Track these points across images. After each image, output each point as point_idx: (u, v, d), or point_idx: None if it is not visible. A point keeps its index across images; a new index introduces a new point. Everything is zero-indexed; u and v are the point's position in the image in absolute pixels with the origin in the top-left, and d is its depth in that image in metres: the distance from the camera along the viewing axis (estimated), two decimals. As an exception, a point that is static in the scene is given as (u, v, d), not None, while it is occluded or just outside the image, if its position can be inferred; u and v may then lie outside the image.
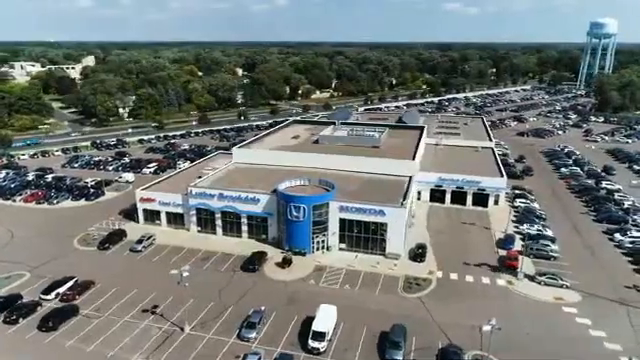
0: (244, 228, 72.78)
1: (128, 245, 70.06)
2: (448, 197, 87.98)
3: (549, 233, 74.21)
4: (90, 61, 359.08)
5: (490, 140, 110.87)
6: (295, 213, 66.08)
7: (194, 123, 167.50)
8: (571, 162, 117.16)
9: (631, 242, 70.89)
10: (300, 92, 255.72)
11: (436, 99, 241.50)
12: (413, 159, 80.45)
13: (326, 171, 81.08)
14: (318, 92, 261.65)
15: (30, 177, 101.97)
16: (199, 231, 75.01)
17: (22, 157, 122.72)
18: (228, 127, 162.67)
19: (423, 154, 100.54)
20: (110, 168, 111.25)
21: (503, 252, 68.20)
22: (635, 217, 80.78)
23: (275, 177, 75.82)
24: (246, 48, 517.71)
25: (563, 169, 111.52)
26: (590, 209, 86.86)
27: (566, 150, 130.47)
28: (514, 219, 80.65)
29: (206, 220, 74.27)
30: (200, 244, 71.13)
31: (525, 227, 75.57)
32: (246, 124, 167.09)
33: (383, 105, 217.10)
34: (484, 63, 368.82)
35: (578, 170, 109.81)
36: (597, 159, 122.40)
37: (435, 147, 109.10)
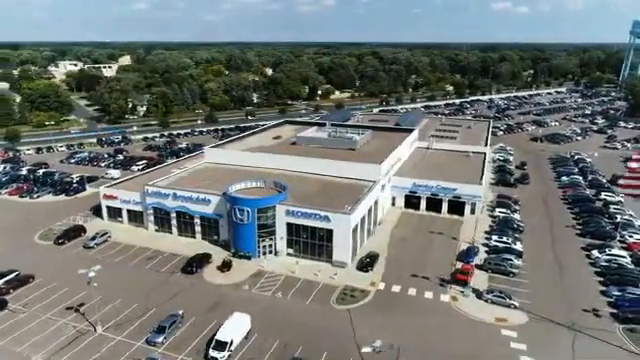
0: (197, 229, 72.04)
1: (84, 241, 70.97)
2: (423, 204, 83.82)
3: (518, 247, 68.84)
4: (126, 60, 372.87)
5: (485, 145, 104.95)
6: (239, 216, 64.57)
7: (199, 122, 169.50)
8: (576, 170, 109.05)
9: (607, 260, 64.59)
10: (320, 92, 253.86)
11: (458, 101, 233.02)
12: (380, 163, 76.89)
13: (291, 173, 79.22)
14: (338, 92, 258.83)
15: (23, 171, 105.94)
16: (157, 230, 74.97)
17: (27, 152, 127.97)
18: (233, 126, 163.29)
19: (409, 158, 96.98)
20: (102, 165, 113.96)
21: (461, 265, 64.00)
22: (624, 233, 73.73)
23: (238, 178, 74.36)
24: (288, 48, 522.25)
25: (564, 178, 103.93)
26: (578, 222, 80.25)
27: (575, 157, 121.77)
28: (488, 230, 75.61)
29: (162, 219, 74.10)
30: (153, 243, 70.99)
31: (494, 239, 70.64)
32: (252, 123, 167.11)
33: (400, 107, 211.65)
34: (520, 64, 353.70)
35: (580, 179, 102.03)
36: (610, 168, 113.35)
37: (425, 151, 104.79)
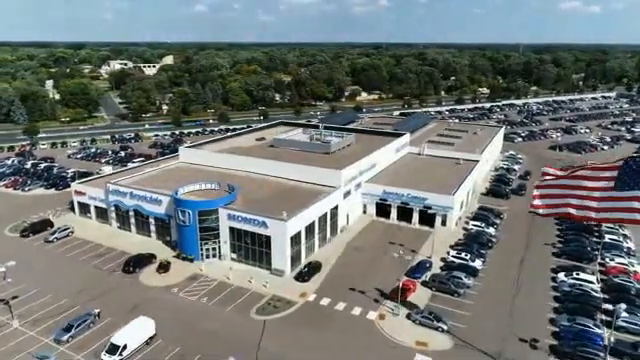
0: (152, 228, 72.56)
1: (46, 235, 73.33)
2: (394, 213, 79.93)
3: (476, 264, 63.82)
4: (169, 60, 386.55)
5: (480, 153, 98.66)
6: (182, 217, 64.26)
7: (211, 121, 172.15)
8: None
9: (571, 285, 58.38)
10: (347, 94, 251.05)
11: (488, 104, 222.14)
12: (341, 169, 73.99)
13: (255, 176, 78.53)
14: (365, 94, 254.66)
15: (28, 165, 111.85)
16: (119, 227, 76.33)
17: (42, 147, 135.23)
18: (245, 126, 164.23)
19: (393, 164, 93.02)
20: (103, 161, 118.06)
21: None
22: (607, 255, 66.49)
23: (202, 178, 74.16)
24: (335, 48, 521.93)
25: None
26: (560, 240, 73.48)
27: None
28: (453, 244, 70.76)
29: (123, 217, 75.31)
30: (110, 240, 72.19)
31: (451, 254, 66.00)
32: (265, 123, 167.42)
33: (422, 110, 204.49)
34: (573, 67, 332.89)
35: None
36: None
37: (416, 157, 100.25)
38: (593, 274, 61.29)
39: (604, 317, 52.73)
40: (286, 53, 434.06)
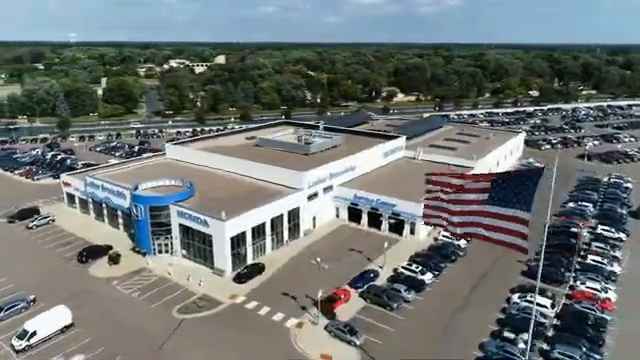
0: (120, 221, 75.08)
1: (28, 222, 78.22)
2: (365, 218, 77.06)
3: (426, 277, 59.86)
4: (221, 59, 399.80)
5: (476, 160, 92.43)
6: (135, 211, 65.94)
7: (232, 119, 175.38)
8: (595, 197, 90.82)
9: (521, 309, 53.09)
10: (383, 94, 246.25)
11: (531, 109, 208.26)
12: (305, 171, 72.40)
13: (224, 174, 79.50)
14: (401, 95, 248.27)
15: (48, 156, 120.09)
16: (95, 218, 79.79)
17: (71, 139, 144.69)
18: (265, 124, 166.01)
19: (381, 167, 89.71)
20: (117, 154, 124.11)
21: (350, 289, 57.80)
22: (582, 278, 59.77)
23: (176, 174, 75.96)
24: (395, 49, 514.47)
25: (571, 204, 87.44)
26: (537, 257, 67.07)
27: (613, 181, 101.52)
28: (413, 254, 66.82)
29: (99, 209, 78.59)
30: (83, 230, 75.44)
31: (401, 265, 62.41)
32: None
33: (453, 113, 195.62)
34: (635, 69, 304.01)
35: (589, 208, 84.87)
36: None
37: (409, 161, 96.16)
38: (551, 298, 55.36)
39: (542, 345, 47.55)
40: (338, 53, 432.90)
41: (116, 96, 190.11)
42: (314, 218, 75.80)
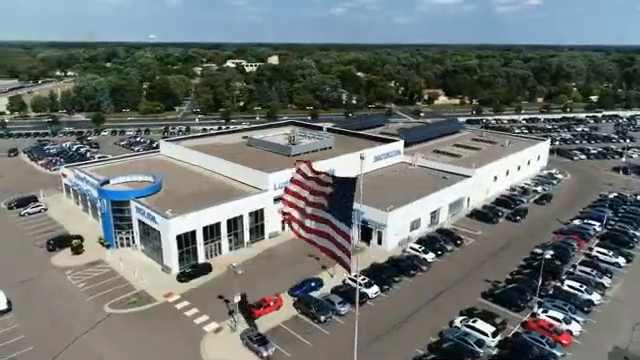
0: (98, 212, 77.75)
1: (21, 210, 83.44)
2: (337, 224, 73.98)
3: (371, 291, 56.13)
4: (274, 60, 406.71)
5: (475, 168, 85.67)
6: (99, 204, 67.94)
7: (257, 118, 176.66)
8: (609, 215, 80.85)
9: (455, 335, 48.06)
10: (426, 97, 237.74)
11: (583, 115, 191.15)
12: (269, 173, 70.81)
13: (203, 171, 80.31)
14: (444, 98, 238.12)
15: (74, 148, 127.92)
16: (83, 210, 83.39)
17: (104, 133, 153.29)
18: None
19: (370, 172, 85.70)
20: (135, 149, 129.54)
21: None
22: (547, 305, 53.16)
23: (159, 170, 77.99)
24: (463, 49, 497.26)
25: (576, 221, 78.57)
26: (509, 279, 60.80)
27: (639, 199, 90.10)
28: (368, 266, 62.98)
29: (85, 201, 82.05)
30: (68, 220, 79.01)
31: (347, 277, 58.98)
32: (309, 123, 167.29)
33: (492, 118, 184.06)
34: None
35: (594, 226, 75.62)
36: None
37: (405, 167, 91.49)
38: (499, 324, 49.68)
39: (464, 379, 42.66)
40: (396, 54, 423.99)
41: (157, 94, 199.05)
42: (283, 221, 73.97)
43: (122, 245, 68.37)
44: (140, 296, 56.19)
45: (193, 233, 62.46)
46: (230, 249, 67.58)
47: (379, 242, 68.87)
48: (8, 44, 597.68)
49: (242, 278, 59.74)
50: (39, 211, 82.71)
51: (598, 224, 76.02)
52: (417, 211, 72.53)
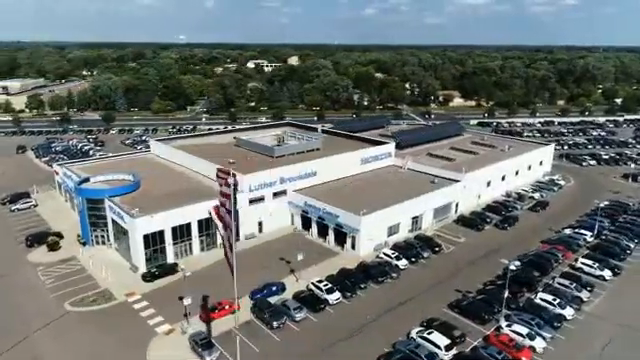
0: (76, 210, 78.78)
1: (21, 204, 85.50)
2: (315, 227, 72.88)
3: (332, 297, 54.65)
4: (294, 60, 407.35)
5: (465, 173, 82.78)
6: (76, 202, 68.78)
7: (264, 119, 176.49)
8: (605, 224, 76.76)
9: (408, 346, 46.11)
10: (441, 98, 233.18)
11: (603, 118, 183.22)
12: (244, 174, 70.11)
13: (185, 170, 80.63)
14: (460, 99, 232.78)
15: (79, 146, 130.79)
16: (71, 207, 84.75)
17: (112, 132, 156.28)
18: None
19: (355, 174, 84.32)
20: (139, 148, 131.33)
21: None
22: (511, 320, 50.55)
23: (146, 170, 79.10)
24: (495, 50, 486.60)
25: (567, 230, 74.85)
26: (481, 289, 58.22)
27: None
28: (336, 272, 61.37)
29: (71, 197, 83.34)
30: (53, 217, 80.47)
31: (311, 282, 57.65)
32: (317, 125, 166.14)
33: (505, 121, 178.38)
34: None
35: (585, 237, 71.84)
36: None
37: (394, 170, 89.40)
38: (457, 337, 47.44)
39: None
40: (417, 54, 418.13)
41: (170, 93, 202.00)
42: (260, 223, 73.27)
43: (98, 243, 69.04)
44: (102, 295, 56.39)
45: (161, 233, 62.39)
46: (202, 250, 67.28)
47: (353, 247, 67.24)
48: (44, 44, 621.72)
49: (207, 280, 59.89)
50: (29, 207, 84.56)
51: (590, 234, 72.18)
52: (396, 216, 70.50)
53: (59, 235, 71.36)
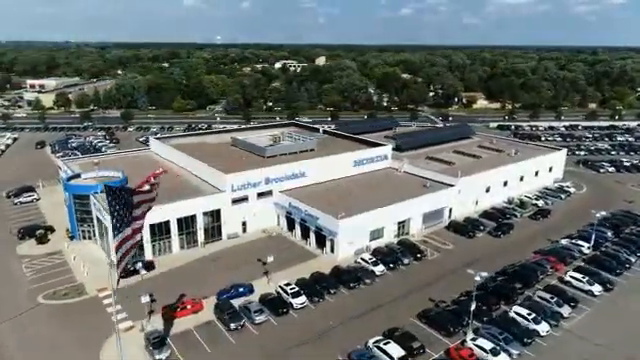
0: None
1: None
2: (298, 229, 72.05)
3: (296, 301, 53.66)
4: (321, 60, 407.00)
5: (458, 177, 79.77)
6: (65, 197, 70.61)
7: (278, 118, 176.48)
8: (609, 235, 72.33)
9: (361, 355, 44.61)
10: (464, 100, 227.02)
11: (635, 123, 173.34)
12: (227, 173, 70.03)
13: (183, 170, 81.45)
14: (484, 101, 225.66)
15: (94, 142, 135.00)
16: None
17: (130, 129, 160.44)
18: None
19: (349, 177, 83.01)
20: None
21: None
22: (478, 334, 48.12)
23: (141, 167, 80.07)
24: (535, 52, 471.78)
25: (564, 241, 70.83)
26: (456, 299, 55.74)
27: (653, 219, 79.69)
28: (308, 275, 60.25)
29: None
30: (52, 211, 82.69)
31: (280, 284, 56.82)
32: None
33: (527, 124, 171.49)
34: None
35: (582, 248, 67.81)
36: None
37: (389, 172, 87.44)
38: (410, 349, 45.49)
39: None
40: (450, 55, 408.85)
41: (192, 93, 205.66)
42: (244, 223, 73.04)
43: (85, 238, 70.65)
44: (75, 289, 57.58)
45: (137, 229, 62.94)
46: (182, 248, 67.68)
47: (332, 250, 65.99)
48: (84, 44, 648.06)
49: (178, 278, 60.23)
50: (31, 201, 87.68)
51: (586, 245, 68.06)
52: (379, 220, 68.67)
53: (50, 229, 73.56)
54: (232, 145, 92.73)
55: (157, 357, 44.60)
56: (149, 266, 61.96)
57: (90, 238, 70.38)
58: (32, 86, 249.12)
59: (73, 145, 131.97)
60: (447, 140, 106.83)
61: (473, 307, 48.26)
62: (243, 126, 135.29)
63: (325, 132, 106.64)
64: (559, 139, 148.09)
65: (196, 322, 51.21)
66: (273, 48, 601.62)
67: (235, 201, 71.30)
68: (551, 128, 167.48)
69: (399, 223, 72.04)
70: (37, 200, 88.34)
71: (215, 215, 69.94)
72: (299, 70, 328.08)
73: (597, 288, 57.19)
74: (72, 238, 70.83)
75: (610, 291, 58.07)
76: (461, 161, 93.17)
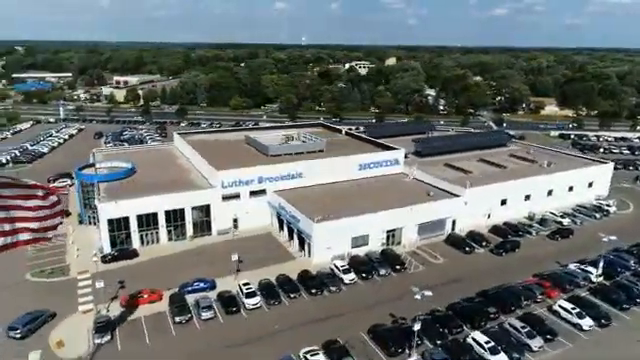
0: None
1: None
2: (285, 229, 71.53)
3: (250, 301, 53.28)
4: (391, 61, 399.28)
5: (467, 188, 74.06)
6: (77, 183, 76.35)
7: (322, 119, 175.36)
8: (631, 264, 62.97)
9: (289, 364, 43.13)
10: (532, 105, 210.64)
11: None
12: (219, 170, 71.11)
13: (189, 165, 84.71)
14: (555, 107, 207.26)
15: (143, 135, 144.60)
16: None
17: (182, 125, 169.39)
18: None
19: (352, 180, 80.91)
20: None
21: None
22: (424, 357, 44.35)
23: (161, 162, 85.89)
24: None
25: (572, 265, 62.73)
26: (436, 313, 51.77)
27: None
28: (274, 277, 59.37)
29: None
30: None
31: (240, 283, 56.60)
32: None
33: (593, 134, 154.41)
34: None
35: (589, 275, 59.65)
36: None
37: (397, 177, 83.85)
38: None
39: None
40: (537, 58, 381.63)
41: (250, 91, 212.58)
42: (235, 220, 73.85)
43: (90, 223, 75.76)
44: (61, 269, 61.99)
45: (126, 219, 66.38)
46: (170, 240, 70.08)
47: (309, 253, 64.58)
48: (171, 45, 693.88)
49: (156, 268, 62.54)
50: (63, 187, 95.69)
51: (595, 273, 59.87)
52: (363, 227, 65.88)
53: (66, 212, 79.69)
54: (246, 143, 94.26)
55: (96, 341, 46.60)
56: (132, 254, 65.11)
57: (94, 224, 75.31)
58: (117, 82, 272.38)
59: (125, 137, 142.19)
60: (476, 147, 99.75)
61: (417, 328, 44.40)
62: (271, 125, 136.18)
63: (347, 134, 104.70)
64: (626, 152, 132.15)
65: (149, 312, 52.76)
66: (355, 49, 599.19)
67: (226, 197, 72.37)
68: (623, 139, 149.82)
69: (388, 232, 68.58)
70: (70, 186, 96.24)
71: (205, 210, 71.56)
72: (364, 71, 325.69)
73: (588, 322, 50.11)
74: (81, 222, 76.37)
75: (605, 327, 50.66)
76: (482, 170, 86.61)
